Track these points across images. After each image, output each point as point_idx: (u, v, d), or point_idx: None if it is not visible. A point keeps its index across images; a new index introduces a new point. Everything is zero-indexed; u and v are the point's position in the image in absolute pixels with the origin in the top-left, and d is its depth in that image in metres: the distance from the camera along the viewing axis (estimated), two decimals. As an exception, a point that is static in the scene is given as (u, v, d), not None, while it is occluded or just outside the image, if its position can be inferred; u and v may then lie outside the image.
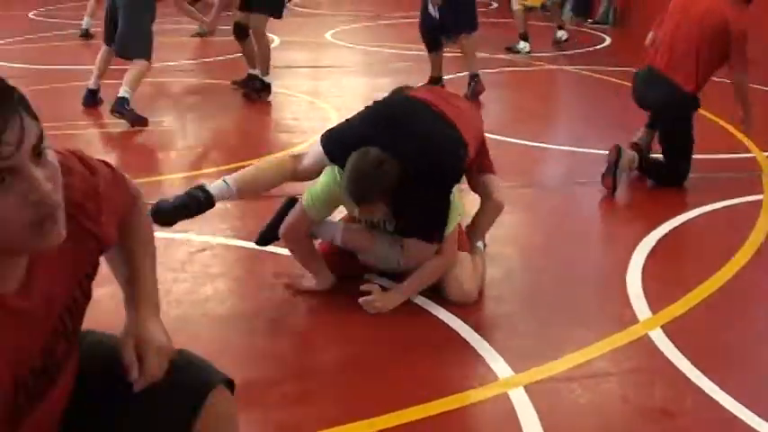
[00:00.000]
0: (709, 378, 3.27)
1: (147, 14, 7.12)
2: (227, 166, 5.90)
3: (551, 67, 9.73)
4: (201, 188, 3.97)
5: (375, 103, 4.02)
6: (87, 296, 1.69)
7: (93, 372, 1.82)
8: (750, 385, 3.31)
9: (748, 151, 6.23)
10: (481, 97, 8.05)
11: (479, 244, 4.23)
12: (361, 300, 3.78)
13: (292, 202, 4.00)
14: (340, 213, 4.09)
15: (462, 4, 7.95)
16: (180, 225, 4.10)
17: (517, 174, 5.58)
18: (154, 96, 7.84)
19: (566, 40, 10.80)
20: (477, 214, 4.23)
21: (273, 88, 7.93)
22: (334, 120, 6.17)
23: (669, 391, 3.25)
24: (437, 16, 7.87)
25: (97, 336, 1.95)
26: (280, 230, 3.97)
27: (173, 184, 5.44)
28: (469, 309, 3.80)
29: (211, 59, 9.92)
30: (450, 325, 3.68)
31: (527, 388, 3.20)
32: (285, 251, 4.36)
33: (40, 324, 1.53)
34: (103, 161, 1.81)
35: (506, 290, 4.09)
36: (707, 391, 3.21)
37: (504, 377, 3.27)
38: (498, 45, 10.53)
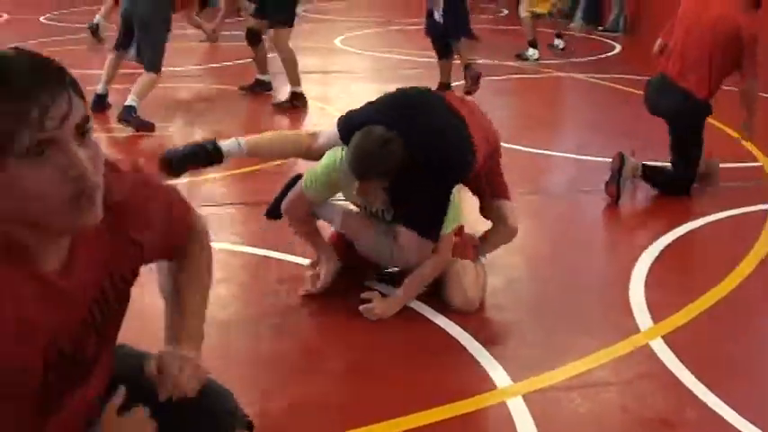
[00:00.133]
0: (711, 389, 3.26)
1: (164, 27, 7.15)
2: (232, 171, 5.91)
3: (560, 74, 9.72)
4: (212, 141, 4.01)
5: (396, 90, 4.03)
6: (121, 298, 1.69)
7: (121, 382, 1.81)
8: (753, 397, 3.29)
9: (755, 160, 6.22)
10: (489, 104, 8.00)
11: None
12: (361, 307, 3.78)
13: (298, 177, 4.01)
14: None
15: (461, 9, 8.01)
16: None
17: (523, 181, 5.57)
18: (161, 101, 7.85)
19: (562, 49, 10.78)
20: (489, 233, 4.18)
21: (284, 94, 7.94)
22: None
23: (669, 402, 3.24)
24: (441, 21, 7.90)
25: (128, 349, 1.96)
26: (282, 206, 3.99)
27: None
28: (470, 316, 3.80)
29: (219, 65, 9.94)
30: (450, 332, 3.67)
31: (525, 397, 3.19)
32: (289, 257, 4.39)
33: (74, 308, 1.55)
34: (171, 186, 1.88)
35: (508, 298, 4.08)
36: (708, 402, 3.19)
37: (502, 386, 3.27)
38: (507, 52, 10.54)
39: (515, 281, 4.20)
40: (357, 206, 4.02)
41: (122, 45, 7.29)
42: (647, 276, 4.26)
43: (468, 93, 7.97)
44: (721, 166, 5.75)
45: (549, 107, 8.69)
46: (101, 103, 7.45)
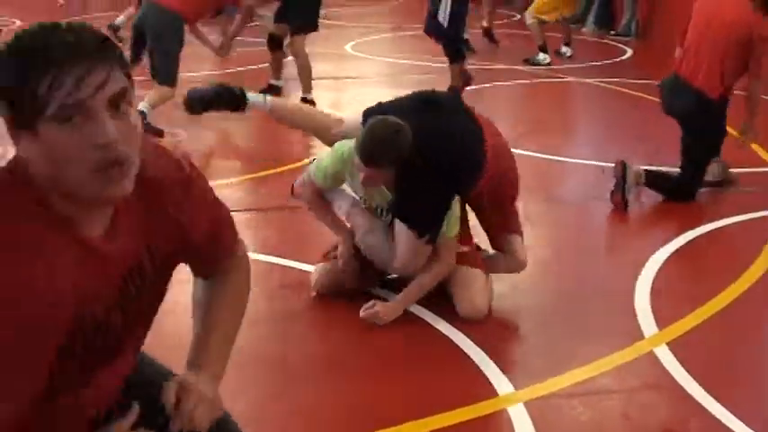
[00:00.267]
0: (715, 397, 3.23)
1: (176, 40, 7.14)
2: (241, 177, 5.93)
3: (571, 79, 9.68)
4: (240, 87, 4.09)
5: (424, 90, 4.05)
6: (157, 279, 1.68)
7: (138, 390, 1.81)
8: (759, 407, 3.26)
9: (764, 165, 6.17)
10: (500, 109, 8.04)
11: None
12: (362, 312, 3.77)
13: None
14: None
15: (460, 14, 8.04)
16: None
17: (532, 187, 5.53)
18: (172, 107, 7.85)
19: (570, 57, 10.72)
20: (496, 259, 4.12)
21: (296, 100, 7.94)
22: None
23: (672, 410, 3.22)
24: (446, 24, 7.90)
25: (149, 358, 1.97)
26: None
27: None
28: (473, 323, 3.78)
29: (233, 70, 9.94)
30: (453, 339, 3.66)
31: (527, 404, 3.17)
32: (292, 263, 4.38)
33: (112, 275, 1.56)
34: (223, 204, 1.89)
35: (512, 304, 4.06)
36: (713, 411, 3.16)
37: (504, 393, 3.25)
38: (518, 57, 10.51)
39: (520, 287, 4.18)
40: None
41: (133, 59, 7.30)
42: (652, 283, 4.23)
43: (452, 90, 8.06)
44: (734, 171, 5.72)
45: (559, 112, 8.65)
46: None
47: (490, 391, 3.25)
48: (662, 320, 3.83)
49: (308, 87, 7.82)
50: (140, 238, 1.61)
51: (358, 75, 9.94)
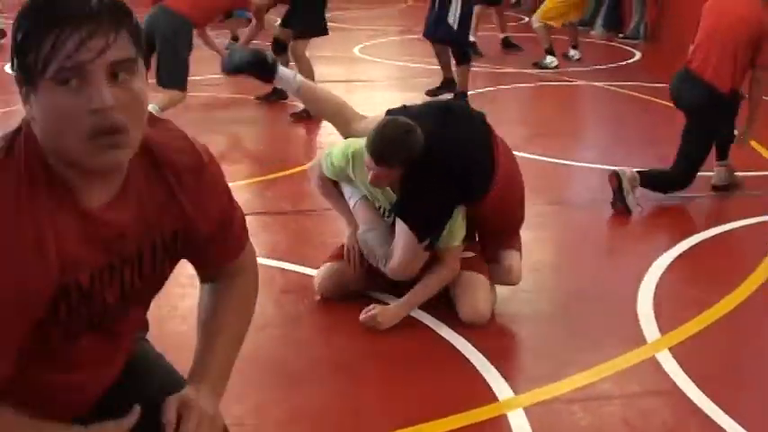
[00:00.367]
0: (717, 404, 3.20)
1: (185, 44, 7.14)
2: (247, 180, 5.93)
3: (579, 82, 9.67)
4: (274, 58, 4.25)
5: (448, 100, 4.08)
6: (155, 264, 1.65)
7: (139, 390, 1.79)
8: (763, 414, 3.23)
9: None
10: (508, 112, 8.07)
11: None
12: (361, 316, 3.75)
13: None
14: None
15: (467, 16, 8.10)
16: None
17: (537, 190, 5.52)
18: (179, 110, 7.86)
19: (578, 60, 10.70)
20: (492, 268, 4.04)
21: (301, 104, 7.94)
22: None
23: (673, 417, 3.20)
24: (456, 27, 7.92)
25: (158, 355, 1.96)
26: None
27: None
28: (475, 327, 3.76)
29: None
30: (454, 343, 3.64)
31: (527, 410, 3.16)
32: (294, 267, 4.38)
33: (105, 246, 1.54)
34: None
35: (514, 308, 4.04)
36: (713, 417, 3.14)
37: (504, 398, 3.23)
38: (526, 60, 10.50)
39: (522, 291, 4.16)
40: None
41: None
42: (656, 287, 4.22)
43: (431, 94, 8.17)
44: (738, 174, 5.70)
45: (566, 115, 8.63)
46: None
47: (490, 397, 3.24)
48: (664, 325, 3.81)
49: None
50: (144, 217, 1.59)
51: (367, 78, 9.94)
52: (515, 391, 3.27)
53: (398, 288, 3.97)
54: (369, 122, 4.04)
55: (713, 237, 4.95)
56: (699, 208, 5.51)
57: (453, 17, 7.95)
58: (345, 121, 4.25)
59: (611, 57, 11.19)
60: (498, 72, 10.06)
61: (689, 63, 5.47)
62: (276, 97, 8.31)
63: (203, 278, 1.89)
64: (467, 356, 3.53)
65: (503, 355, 3.58)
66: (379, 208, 3.94)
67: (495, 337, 3.74)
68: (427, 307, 3.86)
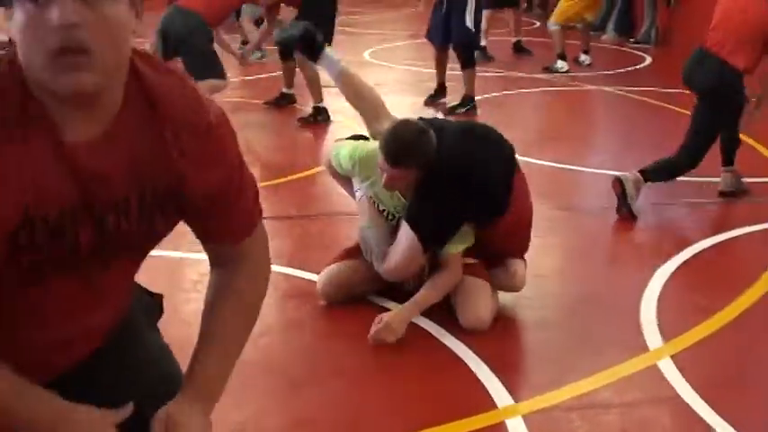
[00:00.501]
0: (719, 413, 3.17)
1: (203, 39, 7.20)
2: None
3: (589, 87, 9.64)
4: (322, 40, 4.33)
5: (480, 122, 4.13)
6: (144, 220, 1.57)
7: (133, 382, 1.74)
8: (763, 423, 3.20)
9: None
10: (518, 117, 8.08)
11: None
12: (372, 332, 3.65)
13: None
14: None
15: (478, 20, 8.14)
16: (196, 245, 4.17)
17: (545, 196, 5.51)
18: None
19: (588, 65, 10.67)
20: (494, 273, 4.02)
21: (310, 108, 7.96)
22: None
23: (673, 425, 3.19)
24: (473, 28, 7.93)
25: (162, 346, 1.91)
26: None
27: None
28: (475, 333, 3.74)
29: (252, 78, 9.98)
30: (454, 350, 3.63)
31: (526, 417, 3.14)
32: (298, 272, 4.38)
33: (78, 184, 1.48)
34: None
35: (514, 314, 4.03)
36: (715, 426, 3.10)
37: (503, 406, 3.22)
38: (536, 65, 10.49)
39: (525, 297, 4.14)
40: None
41: None
42: (660, 294, 4.19)
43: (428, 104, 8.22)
44: (745, 180, 5.67)
45: (576, 120, 8.61)
46: None
47: (489, 404, 3.23)
48: (667, 333, 3.78)
49: (318, 97, 7.81)
50: (134, 164, 1.52)
51: (377, 82, 9.87)
52: (515, 399, 3.25)
53: (401, 291, 3.97)
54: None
55: (719, 243, 4.92)
56: (705, 214, 5.48)
57: (470, 20, 7.97)
58: (376, 117, 4.25)
59: (622, 61, 11.16)
60: (508, 76, 10.04)
61: (705, 43, 5.45)
62: (284, 101, 8.33)
63: (210, 258, 1.79)
64: (467, 363, 3.51)
65: (503, 361, 3.56)
66: (383, 211, 3.93)
67: (496, 344, 3.72)
68: (428, 313, 3.85)
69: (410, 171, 3.64)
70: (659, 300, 4.13)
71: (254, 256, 1.78)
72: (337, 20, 8.18)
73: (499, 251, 4.02)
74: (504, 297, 4.06)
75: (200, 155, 1.57)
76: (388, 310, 3.90)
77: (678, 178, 5.58)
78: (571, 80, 9.90)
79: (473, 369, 3.47)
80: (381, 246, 3.89)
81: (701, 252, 4.78)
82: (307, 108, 7.94)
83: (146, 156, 1.52)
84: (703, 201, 5.56)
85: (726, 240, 4.98)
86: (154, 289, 2.05)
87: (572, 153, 6.89)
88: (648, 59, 11.31)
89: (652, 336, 3.77)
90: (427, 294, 3.83)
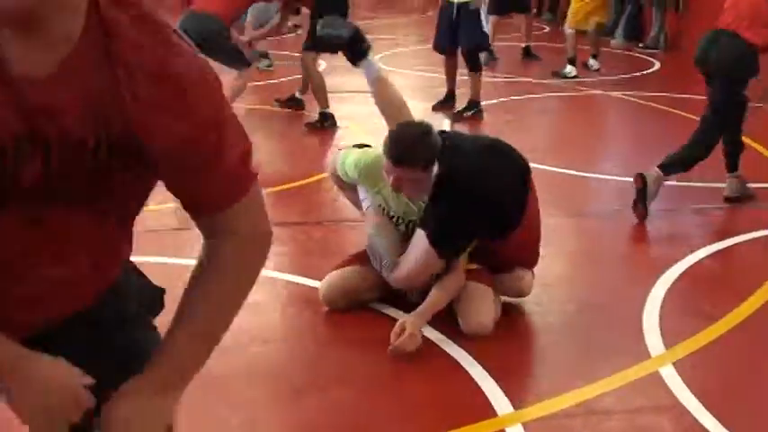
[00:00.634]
0: (719, 420, 3.16)
1: (222, 38, 7.29)
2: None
3: (597, 92, 9.62)
4: (367, 46, 4.34)
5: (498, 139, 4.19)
6: (102, 167, 1.43)
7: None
8: (765, 431, 3.19)
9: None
10: (525, 123, 8.07)
11: None
12: (395, 343, 3.62)
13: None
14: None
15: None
16: (197, 252, 4.18)
17: (548, 202, 5.47)
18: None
19: (597, 70, 10.64)
20: (500, 278, 4.04)
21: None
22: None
23: (674, 433, 3.17)
24: (488, 30, 7.96)
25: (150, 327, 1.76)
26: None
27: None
28: (476, 340, 3.74)
29: (263, 83, 10.00)
30: (455, 356, 3.62)
31: (526, 425, 3.14)
32: (299, 278, 4.38)
33: (26, 115, 1.38)
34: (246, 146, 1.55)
35: (516, 320, 4.02)
36: (715, 434, 3.10)
37: (503, 413, 3.21)
38: (545, 70, 10.48)
39: (528, 303, 4.13)
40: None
41: None
42: (663, 300, 4.18)
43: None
44: (751, 186, 5.65)
45: (583, 126, 8.58)
46: None
47: (490, 411, 3.22)
48: (669, 339, 3.77)
49: (324, 103, 7.82)
50: (89, 104, 1.40)
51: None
52: (515, 406, 3.25)
53: (403, 299, 3.97)
54: None
55: (723, 249, 4.91)
56: (711, 220, 5.46)
57: (486, 24, 8.04)
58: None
59: (630, 66, 11.14)
60: (516, 82, 10.04)
61: (718, 25, 5.44)
62: (293, 104, 8.37)
63: (200, 230, 1.60)
64: (468, 370, 3.51)
65: (504, 368, 3.55)
66: (392, 217, 3.93)
67: (498, 350, 3.71)
68: (430, 320, 3.84)
69: (415, 171, 3.64)
70: (662, 306, 4.12)
71: (243, 227, 1.58)
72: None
73: (509, 264, 4.04)
74: (507, 303, 4.05)
75: (157, 103, 1.41)
76: (390, 317, 3.91)
77: (684, 183, 5.57)
78: (579, 85, 9.88)
79: (474, 376, 3.46)
80: (390, 254, 3.88)
81: (705, 258, 4.77)
82: (314, 113, 7.95)
83: (102, 95, 1.40)
84: (709, 206, 5.54)
85: (730, 246, 4.96)
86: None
87: (578, 159, 6.88)
88: (657, 64, 11.28)
89: (654, 342, 3.76)
90: (438, 296, 3.82)
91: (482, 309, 3.84)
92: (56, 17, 1.35)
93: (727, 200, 5.58)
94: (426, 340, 3.75)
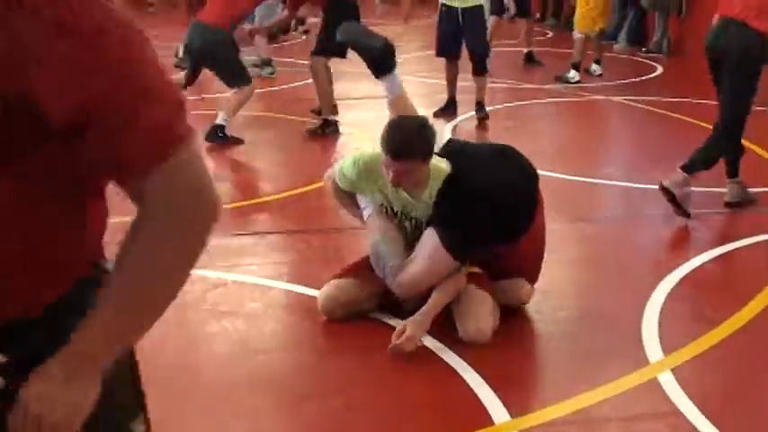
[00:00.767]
0: (718, 427, 3.13)
1: (229, 49, 7.38)
2: (250, 201, 5.95)
3: (599, 97, 9.59)
4: (395, 62, 4.32)
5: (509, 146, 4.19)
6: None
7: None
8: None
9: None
10: (527, 129, 8.09)
11: None
12: (397, 343, 3.66)
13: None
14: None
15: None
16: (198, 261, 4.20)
17: (550, 207, 5.46)
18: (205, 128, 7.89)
19: (599, 75, 10.62)
20: (502, 285, 4.04)
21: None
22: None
23: (672, 440, 3.15)
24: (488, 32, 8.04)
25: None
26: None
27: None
28: (473, 347, 3.72)
29: (271, 89, 10.01)
30: (451, 364, 3.61)
31: (522, 433, 3.13)
32: (297, 287, 4.38)
33: None
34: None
35: (516, 328, 4.00)
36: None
37: (500, 422, 3.19)
38: (548, 75, 10.46)
39: (527, 309, 4.12)
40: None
41: (190, 79, 7.69)
42: (662, 306, 4.15)
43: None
44: (752, 190, 5.64)
45: (586, 131, 8.58)
46: None
47: (486, 419, 3.20)
48: (668, 345, 3.75)
49: (327, 109, 7.83)
50: None
51: (384, 94, 9.91)
52: (512, 414, 3.23)
53: (400, 307, 3.96)
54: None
55: (724, 254, 4.88)
56: (712, 225, 5.44)
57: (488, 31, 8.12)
58: None
59: (633, 71, 11.12)
60: (518, 88, 10.03)
61: (727, 13, 5.41)
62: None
63: (130, 198, 1.42)
64: (464, 378, 3.49)
65: (501, 376, 3.53)
66: (396, 214, 3.93)
67: (495, 358, 3.69)
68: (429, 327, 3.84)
69: (414, 164, 3.67)
70: (662, 311, 4.09)
71: (175, 193, 1.40)
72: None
73: (510, 273, 4.05)
74: (505, 309, 4.04)
75: (67, 57, 1.28)
76: (388, 325, 3.90)
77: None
78: (581, 90, 9.86)
79: (470, 384, 3.44)
80: (396, 258, 3.88)
81: (705, 263, 4.74)
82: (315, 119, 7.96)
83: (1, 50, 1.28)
84: (709, 211, 5.51)
85: (731, 251, 4.93)
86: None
87: (580, 164, 6.86)
88: (660, 69, 11.25)
89: (653, 348, 3.74)
90: (439, 298, 3.82)
91: (481, 315, 3.83)
92: None
93: (728, 205, 5.56)
94: (425, 348, 3.74)
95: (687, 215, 5.30)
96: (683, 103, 8.78)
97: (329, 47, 7.62)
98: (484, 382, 3.44)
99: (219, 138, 7.15)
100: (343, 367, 3.70)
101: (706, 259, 4.78)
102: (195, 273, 4.24)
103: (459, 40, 8.26)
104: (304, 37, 14.26)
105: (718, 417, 3.20)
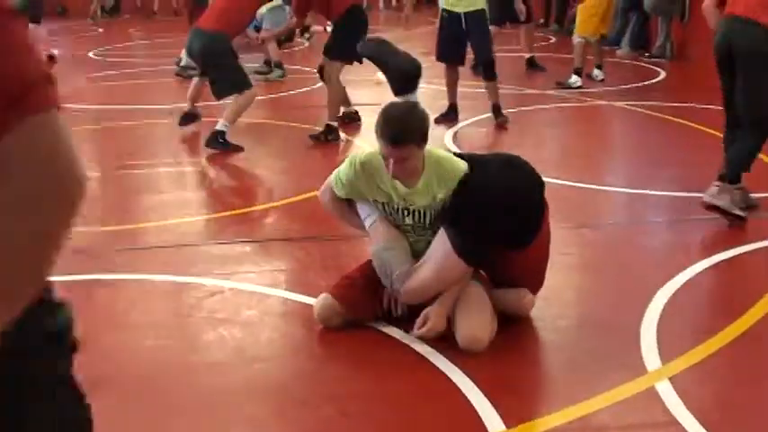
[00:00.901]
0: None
1: (225, 56, 7.38)
2: (249, 209, 5.93)
3: (601, 102, 9.58)
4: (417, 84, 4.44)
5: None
6: None
7: None
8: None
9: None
10: (528, 134, 8.08)
11: None
12: (421, 331, 3.76)
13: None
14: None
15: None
16: (196, 268, 4.20)
17: (554, 214, 5.45)
18: (197, 136, 7.90)
19: (601, 80, 10.59)
20: (503, 294, 4.03)
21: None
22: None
23: (669, 452, 3.12)
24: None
25: None
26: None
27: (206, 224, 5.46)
28: (469, 355, 3.69)
29: (276, 95, 10.01)
30: (447, 373, 3.57)
31: (517, 444, 3.10)
32: (295, 295, 4.36)
33: None
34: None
35: (513, 336, 3.95)
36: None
37: (494, 431, 3.16)
38: (549, 81, 10.45)
39: (522, 318, 4.09)
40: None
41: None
42: (661, 313, 4.11)
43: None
44: (755, 195, 5.61)
45: (588, 137, 8.56)
46: (186, 119, 7.93)
47: (480, 428, 3.17)
48: (666, 354, 3.71)
49: (332, 115, 7.82)
50: None
51: (385, 101, 9.90)
52: (507, 425, 3.19)
53: (397, 318, 3.95)
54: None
55: (725, 260, 4.84)
56: (714, 230, 5.40)
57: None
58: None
59: (635, 76, 11.10)
60: (520, 93, 10.01)
61: (734, 11, 5.37)
62: (349, 119, 8.38)
63: None
64: (460, 387, 3.45)
65: (497, 384, 3.50)
66: (397, 210, 3.91)
67: (491, 365, 3.66)
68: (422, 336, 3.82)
69: (412, 148, 3.69)
70: (661, 319, 4.06)
71: (29, 162, 1.22)
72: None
73: (512, 282, 4.04)
74: (503, 316, 4.01)
75: None
76: (385, 334, 3.89)
77: (685, 194, 5.52)
78: (584, 96, 9.85)
79: (466, 392, 3.41)
80: (404, 266, 3.86)
81: (707, 269, 4.70)
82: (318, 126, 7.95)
83: None
84: (712, 217, 5.47)
85: (731, 258, 4.89)
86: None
87: (582, 170, 6.84)
88: (663, 74, 11.23)
89: (651, 357, 3.70)
90: (452, 288, 3.83)
91: (479, 323, 3.81)
92: None
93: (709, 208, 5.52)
94: (421, 356, 3.72)
95: (742, 222, 5.28)
96: (687, 108, 8.75)
97: (347, 52, 7.56)
98: (479, 391, 3.41)
99: (220, 144, 7.15)
100: (340, 375, 3.69)
101: (707, 265, 4.74)
102: (192, 280, 4.29)
103: (462, 45, 8.24)
104: (307, 44, 14.29)
105: (716, 427, 3.17)
